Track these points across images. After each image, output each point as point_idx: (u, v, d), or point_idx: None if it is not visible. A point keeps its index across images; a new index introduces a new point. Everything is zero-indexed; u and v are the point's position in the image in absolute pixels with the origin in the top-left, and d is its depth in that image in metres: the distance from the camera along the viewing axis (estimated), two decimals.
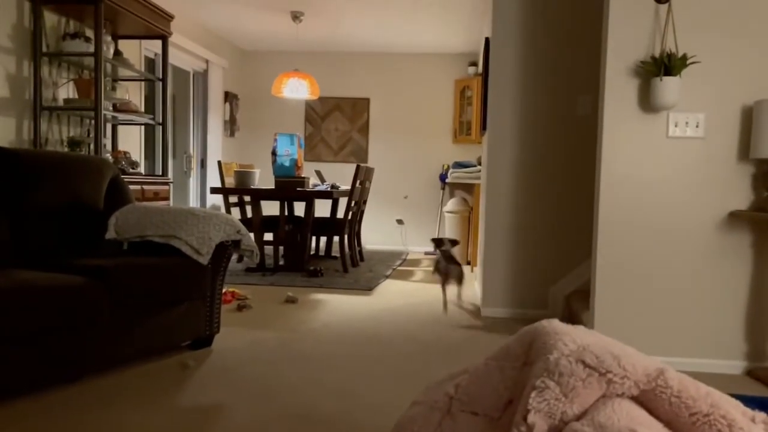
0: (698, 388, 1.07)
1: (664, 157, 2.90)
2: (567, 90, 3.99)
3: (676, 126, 2.87)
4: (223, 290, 3.66)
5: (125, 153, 4.65)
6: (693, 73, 2.84)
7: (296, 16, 6.29)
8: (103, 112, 4.12)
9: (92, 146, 4.26)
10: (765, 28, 2.81)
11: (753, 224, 2.86)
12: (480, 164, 6.76)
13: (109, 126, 4.86)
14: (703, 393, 1.06)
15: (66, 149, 4.22)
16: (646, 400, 1.08)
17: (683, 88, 2.84)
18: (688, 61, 2.77)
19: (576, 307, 3.65)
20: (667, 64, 2.74)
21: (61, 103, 4.22)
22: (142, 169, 5.25)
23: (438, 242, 4.36)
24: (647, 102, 2.88)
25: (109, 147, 4.86)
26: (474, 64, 7.77)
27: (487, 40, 4.51)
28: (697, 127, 2.86)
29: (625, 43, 2.90)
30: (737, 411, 1.06)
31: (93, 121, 4.27)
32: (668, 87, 2.75)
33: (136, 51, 5.42)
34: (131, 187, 3.91)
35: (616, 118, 2.92)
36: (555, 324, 1.30)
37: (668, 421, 1.06)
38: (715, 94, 2.85)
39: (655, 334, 2.95)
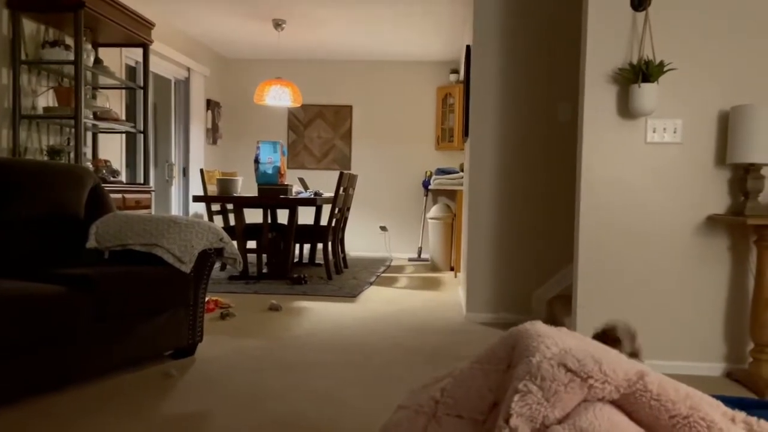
0: (678, 391, 1.09)
1: (643, 163, 2.94)
2: (547, 97, 4.04)
3: (654, 132, 2.92)
4: (206, 299, 3.64)
5: (106, 161, 4.61)
6: (670, 80, 2.89)
7: (278, 24, 6.30)
8: (84, 120, 4.09)
9: (72, 155, 4.22)
10: (740, 35, 2.87)
11: (730, 228, 2.90)
12: (462, 171, 6.79)
13: (89, 134, 4.81)
14: (682, 395, 1.07)
15: (46, 158, 4.17)
16: (627, 404, 1.09)
17: (661, 95, 2.88)
18: (665, 68, 2.81)
19: (558, 312, 3.68)
20: (645, 71, 2.79)
21: (40, 111, 4.18)
22: (123, 178, 5.21)
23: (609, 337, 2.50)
24: (626, 108, 2.92)
25: (89, 156, 4.81)
26: (456, 71, 7.82)
27: (468, 48, 4.55)
28: (674, 132, 2.91)
29: (603, 50, 2.94)
30: (717, 412, 1.08)
31: (73, 130, 4.23)
32: (646, 93, 2.79)
33: (117, 59, 5.39)
34: (112, 195, 3.88)
35: (596, 125, 2.96)
36: (538, 326, 1.32)
37: (649, 425, 1.08)
38: (692, 100, 2.90)
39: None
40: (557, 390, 1.06)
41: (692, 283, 2.94)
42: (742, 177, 2.82)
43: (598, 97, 2.96)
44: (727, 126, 2.86)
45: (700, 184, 2.92)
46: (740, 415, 1.08)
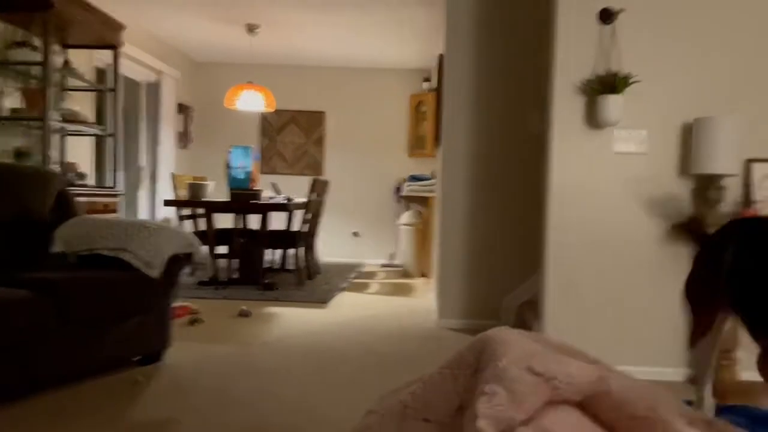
0: (640, 392, 1.12)
1: (610, 172, 3.00)
2: (518, 105, 4.10)
3: (620, 142, 2.98)
4: (175, 304, 3.60)
5: (73, 165, 4.54)
6: (636, 92, 2.96)
7: (251, 29, 6.28)
8: (51, 122, 4.03)
9: (39, 157, 4.14)
10: (703, 50, 2.95)
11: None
12: (434, 178, 6.84)
13: (57, 137, 4.73)
14: (643, 396, 1.11)
15: (12, 160, 4.09)
16: (590, 406, 1.12)
17: (627, 106, 2.95)
18: (630, 80, 2.89)
19: (528, 317, 3.73)
20: (612, 83, 2.85)
21: (7, 112, 4.10)
22: (91, 181, 5.13)
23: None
24: (593, 119, 2.98)
25: (56, 158, 4.73)
26: (428, 79, 7.88)
27: (440, 56, 4.60)
28: (640, 143, 2.98)
29: (571, 62, 3.00)
30: (676, 413, 1.12)
31: (41, 132, 4.16)
32: (612, 104, 2.86)
33: (87, 61, 5.31)
34: (79, 199, 3.81)
35: (564, 134, 3.02)
36: (505, 332, 1.35)
37: (610, 426, 1.11)
38: (656, 112, 2.98)
39: (603, 344, 3.03)
40: (523, 392, 1.08)
41: (657, 290, 3.00)
42: (705, 187, 2.90)
43: (566, 108, 3.02)
44: (690, 137, 2.94)
45: (664, 193, 2.99)
46: (697, 415, 1.12)
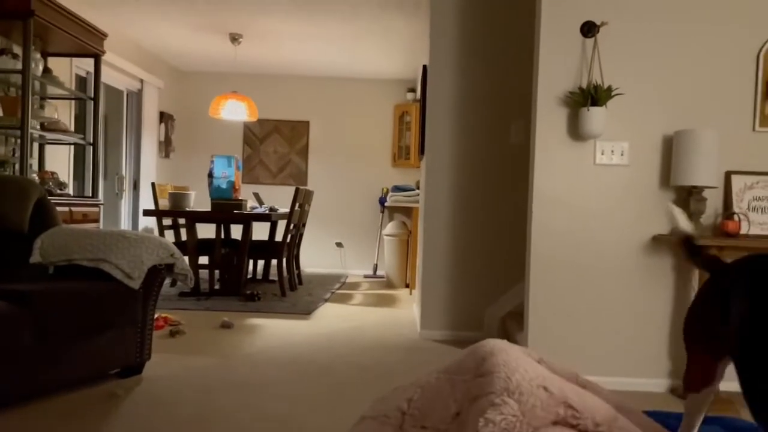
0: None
1: (592, 183, 3.02)
2: (502, 117, 4.12)
3: (602, 153, 3.01)
4: (155, 316, 3.55)
5: (53, 173, 4.48)
6: (618, 104, 2.99)
7: (235, 39, 6.26)
8: (30, 131, 3.97)
9: (18, 166, 4.08)
10: (684, 63, 2.99)
11: (674, 248, 3.01)
12: (419, 188, 6.85)
13: (36, 145, 4.67)
14: None
15: None
16: None
17: (609, 118, 2.98)
18: (612, 93, 2.91)
19: (511, 329, 3.73)
20: (594, 95, 2.88)
21: None
22: (70, 191, 5.07)
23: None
24: (576, 130, 3.00)
25: (35, 167, 4.67)
26: (413, 90, 7.91)
27: (425, 67, 4.61)
28: (622, 155, 3.00)
29: (554, 74, 3.02)
30: None
31: (19, 140, 4.10)
32: (595, 117, 2.88)
33: (67, 69, 5.26)
34: (59, 208, 3.76)
35: (547, 145, 3.04)
36: (515, 347, 1.34)
37: None
38: (638, 124, 3.01)
39: (585, 354, 3.04)
40: (534, 405, 1.08)
41: (638, 301, 3.02)
42: (686, 199, 2.93)
43: (549, 119, 3.04)
44: (671, 149, 2.97)
45: (646, 205, 3.02)
46: None
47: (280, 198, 8.09)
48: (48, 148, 4.90)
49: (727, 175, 2.97)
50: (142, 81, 6.83)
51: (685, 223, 1.81)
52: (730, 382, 2.97)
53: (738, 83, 2.99)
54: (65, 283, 2.69)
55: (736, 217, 2.89)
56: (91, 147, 4.88)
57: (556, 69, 3.02)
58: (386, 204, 7.42)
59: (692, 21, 2.99)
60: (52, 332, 2.50)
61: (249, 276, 6.62)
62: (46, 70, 4.52)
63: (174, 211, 5.47)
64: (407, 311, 5.21)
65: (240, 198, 5.83)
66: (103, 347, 2.76)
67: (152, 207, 5.90)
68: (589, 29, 2.98)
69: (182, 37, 6.40)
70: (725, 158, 2.98)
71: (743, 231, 2.91)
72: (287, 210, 5.94)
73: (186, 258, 5.48)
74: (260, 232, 7.99)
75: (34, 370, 2.46)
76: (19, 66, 4.01)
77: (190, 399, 2.67)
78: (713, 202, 2.98)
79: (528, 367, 1.20)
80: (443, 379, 1.33)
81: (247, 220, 5.46)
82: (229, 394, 2.76)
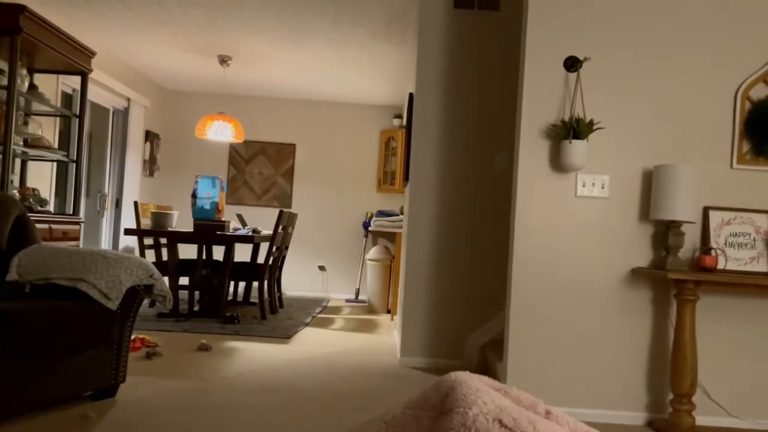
0: None
1: (573, 215, 3.06)
2: (485, 146, 4.16)
3: (583, 186, 3.05)
4: (132, 337, 3.51)
5: (34, 190, 4.44)
6: (599, 138, 3.04)
7: (224, 60, 6.29)
8: (13, 146, 3.94)
9: None
10: (664, 100, 3.06)
11: (652, 281, 3.04)
12: (402, 213, 6.87)
13: (18, 161, 4.63)
14: None
15: None
16: None
17: (590, 151, 3.03)
18: (594, 127, 2.96)
19: (490, 358, 3.72)
20: (576, 128, 2.92)
21: None
22: (51, 208, 5.02)
23: None
24: (558, 162, 3.05)
25: (16, 183, 4.62)
26: (399, 116, 7.98)
27: (411, 95, 4.66)
28: (602, 187, 3.04)
29: (537, 106, 3.07)
30: None
31: (1, 156, 4.07)
32: (576, 149, 2.92)
33: (53, 85, 5.25)
34: (39, 226, 3.72)
35: (530, 177, 3.07)
36: (476, 379, 1.33)
37: None
38: (619, 158, 3.06)
39: (563, 385, 3.04)
40: None
41: (617, 333, 3.04)
42: (664, 232, 2.97)
43: (532, 151, 3.08)
44: (650, 183, 3.02)
45: (625, 238, 3.05)
46: None
47: (264, 220, 8.07)
48: (31, 165, 4.86)
49: (705, 211, 3.02)
50: (128, 99, 6.82)
51: None
52: (707, 416, 2.98)
53: (717, 121, 3.06)
54: (41, 302, 2.65)
55: (713, 252, 2.93)
56: (75, 164, 4.84)
57: (540, 101, 3.07)
58: (370, 228, 7.43)
59: (673, 59, 3.06)
60: (23, 351, 2.46)
61: (230, 298, 6.56)
62: (32, 86, 4.50)
63: (155, 231, 5.43)
64: (388, 337, 5.19)
65: (223, 219, 5.81)
66: (77, 368, 2.71)
67: (134, 226, 5.86)
68: (572, 64, 3.04)
69: (171, 57, 6.42)
70: (703, 194, 3.03)
71: (720, 266, 2.95)
72: (270, 232, 5.93)
73: (166, 279, 5.43)
74: (243, 253, 7.95)
75: (5, 390, 2.41)
76: (4, 82, 3.99)
77: (164, 423, 2.62)
78: (691, 236, 3.02)
79: (486, 399, 1.20)
80: (408, 414, 1.32)
81: (230, 242, 5.43)
82: (205, 417, 2.72)
